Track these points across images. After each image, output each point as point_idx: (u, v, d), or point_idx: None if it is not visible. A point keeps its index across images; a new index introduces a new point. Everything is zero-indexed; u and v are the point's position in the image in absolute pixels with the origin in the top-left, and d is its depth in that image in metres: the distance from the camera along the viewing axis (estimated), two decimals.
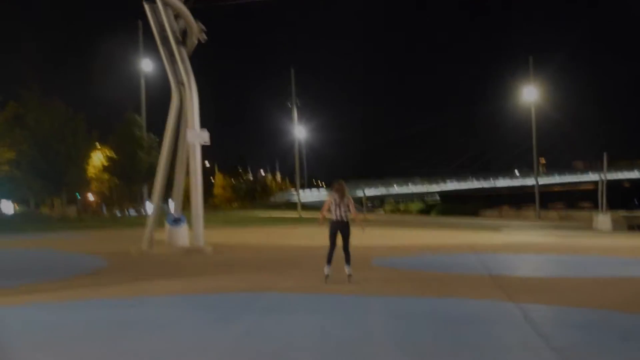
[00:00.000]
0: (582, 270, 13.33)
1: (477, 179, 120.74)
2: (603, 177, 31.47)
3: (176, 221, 17.99)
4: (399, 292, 9.62)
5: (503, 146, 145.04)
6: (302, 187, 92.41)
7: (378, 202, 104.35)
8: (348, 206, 10.28)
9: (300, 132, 65.50)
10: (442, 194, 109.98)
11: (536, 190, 51.56)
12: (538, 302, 8.62)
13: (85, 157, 47.39)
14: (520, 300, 8.73)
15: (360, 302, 8.84)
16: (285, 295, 9.41)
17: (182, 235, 17.95)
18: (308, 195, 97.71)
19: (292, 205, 64.72)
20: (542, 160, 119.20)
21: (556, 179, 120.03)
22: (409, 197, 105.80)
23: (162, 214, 21.69)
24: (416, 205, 79.98)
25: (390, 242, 21.11)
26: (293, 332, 6.72)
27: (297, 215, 51.04)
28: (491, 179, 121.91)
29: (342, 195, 10.24)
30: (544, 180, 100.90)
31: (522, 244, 20.00)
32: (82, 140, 45.33)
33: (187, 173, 18.43)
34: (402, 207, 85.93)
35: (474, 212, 57.87)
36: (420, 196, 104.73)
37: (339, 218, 10.26)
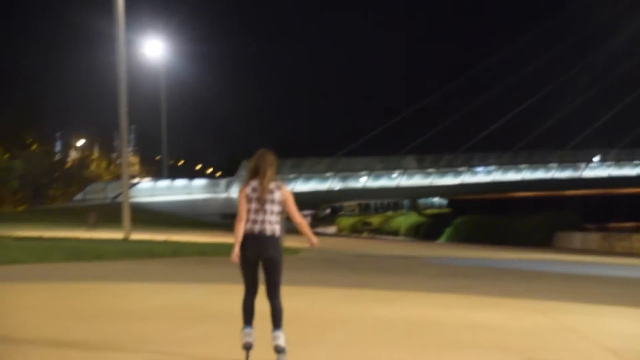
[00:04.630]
0: None
1: (533, 164, 61.62)
2: None
3: None
4: None
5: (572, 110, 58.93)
6: (156, 173, 56.07)
7: (324, 211, 65.10)
8: (280, 205, 5.63)
9: (154, 49, 33.75)
10: (454, 192, 61.15)
11: None
12: None
13: None
14: None
15: None
16: None
17: None
18: (163, 188, 54.18)
19: (115, 209, 27.94)
20: None
21: None
22: (390, 197, 65.71)
23: None
24: (405, 219, 50.80)
25: None
26: None
27: (120, 236, 24.26)
28: (576, 164, 61.83)
29: (264, 184, 5.59)
30: None
31: None
32: None
33: None
34: (375, 220, 51.75)
35: (540, 239, 38.05)
36: (413, 197, 62.15)
37: (258, 231, 5.60)
